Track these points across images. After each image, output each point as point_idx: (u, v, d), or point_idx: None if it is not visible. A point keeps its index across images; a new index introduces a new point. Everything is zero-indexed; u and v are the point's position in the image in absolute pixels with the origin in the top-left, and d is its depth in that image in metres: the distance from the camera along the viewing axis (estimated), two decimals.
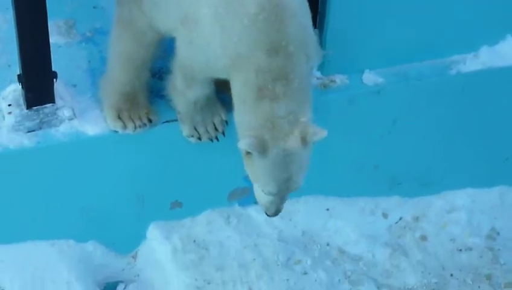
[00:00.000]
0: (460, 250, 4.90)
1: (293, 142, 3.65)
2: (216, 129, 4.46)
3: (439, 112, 4.82)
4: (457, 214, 5.02)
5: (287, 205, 4.06)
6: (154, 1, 4.10)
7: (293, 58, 3.69)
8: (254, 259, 4.70)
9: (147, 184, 4.64)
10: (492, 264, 4.87)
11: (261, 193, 3.85)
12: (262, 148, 3.63)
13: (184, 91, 4.21)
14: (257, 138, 3.61)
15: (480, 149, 5.01)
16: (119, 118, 4.42)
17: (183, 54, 4.01)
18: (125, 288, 4.64)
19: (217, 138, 4.47)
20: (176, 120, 4.43)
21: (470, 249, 4.92)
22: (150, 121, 4.45)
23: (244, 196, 4.77)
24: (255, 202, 4.56)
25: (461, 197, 5.08)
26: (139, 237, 4.77)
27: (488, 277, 4.83)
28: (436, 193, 5.01)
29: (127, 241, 4.75)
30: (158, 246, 4.73)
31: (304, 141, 3.67)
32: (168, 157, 4.60)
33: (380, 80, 4.70)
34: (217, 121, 4.45)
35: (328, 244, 4.84)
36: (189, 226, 4.80)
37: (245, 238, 4.77)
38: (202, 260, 4.70)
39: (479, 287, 4.78)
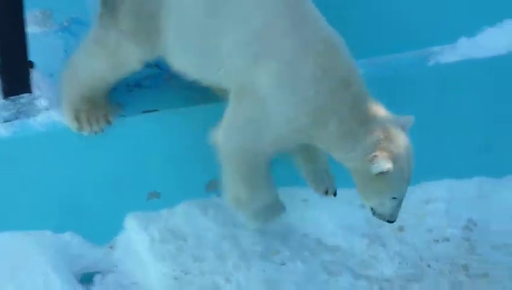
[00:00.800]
0: (438, 241, 4.91)
1: (402, 138, 4.03)
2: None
3: (418, 102, 4.81)
4: (435, 205, 5.03)
5: None
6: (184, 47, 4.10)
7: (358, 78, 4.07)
8: (232, 250, 4.69)
9: (124, 174, 4.63)
10: (469, 254, 4.88)
11: (384, 204, 4.16)
12: (394, 159, 3.95)
13: (252, 197, 4.36)
14: (386, 154, 3.95)
15: (459, 140, 5.01)
16: (77, 118, 4.38)
17: (245, 136, 4.09)
18: (102, 278, 4.62)
19: None
20: (154, 110, 4.42)
21: (447, 239, 4.93)
22: (108, 122, 4.42)
23: (221, 186, 4.75)
24: None
25: (439, 188, 5.09)
26: (117, 227, 4.76)
27: (465, 268, 4.84)
28: (415, 184, 4.99)
29: (104, 232, 4.73)
30: (136, 236, 4.71)
31: (405, 131, 4.07)
32: (145, 148, 4.59)
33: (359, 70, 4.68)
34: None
35: (305, 235, 4.84)
36: (166, 216, 4.79)
37: (223, 229, 4.76)
38: (180, 250, 4.69)
39: (455, 277, 4.78)
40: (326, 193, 4.65)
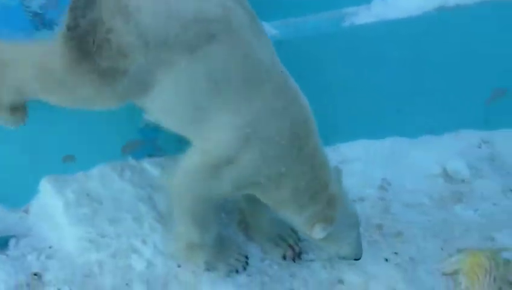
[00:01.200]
0: (354, 201, 4.96)
1: (342, 196, 4.32)
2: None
3: (332, 64, 4.83)
4: (351, 165, 5.07)
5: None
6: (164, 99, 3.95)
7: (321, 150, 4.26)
8: (148, 212, 4.68)
9: (39, 138, 4.58)
10: (383, 214, 4.96)
11: (343, 249, 4.43)
12: (332, 222, 4.20)
13: (202, 239, 4.35)
14: (323, 222, 4.19)
15: (373, 101, 5.05)
16: None
17: (203, 184, 4.10)
18: (17, 243, 4.59)
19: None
20: None
21: (363, 199, 4.99)
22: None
23: (137, 148, 4.73)
24: (149, 155, 4.58)
25: (355, 149, 5.13)
26: (31, 191, 4.72)
27: (379, 227, 4.92)
28: (330, 145, 5.04)
29: (19, 196, 4.70)
30: (51, 200, 4.69)
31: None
32: (60, 111, 4.51)
33: (274, 31, 4.68)
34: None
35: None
36: (82, 179, 4.76)
37: (139, 191, 4.76)
38: (96, 213, 4.68)
39: (370, 236, 4.85)
40: (284, 257, 4.70)
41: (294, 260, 4.67)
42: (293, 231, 4.72)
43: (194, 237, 4.34)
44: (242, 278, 4.54)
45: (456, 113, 5.38)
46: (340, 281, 4.62)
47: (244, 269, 4.57)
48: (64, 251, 4.55)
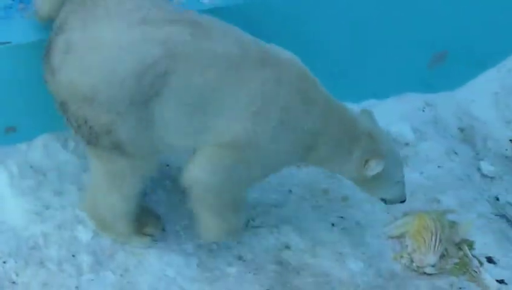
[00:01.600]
0: (299, 166, 4.98)
1: (380, 131, 4.38)
2: None
3: (275, 29, 4.79)
4: None
5: None
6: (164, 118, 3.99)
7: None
8: (87, 184, 4.63)
9: None
10: (329, 179, 4.98)
11: (391, 191, 4.48)
12: (382, 156, 4.25)
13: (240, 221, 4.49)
14: (376, 157, 4.23)
15: (316, 66, 4.93)
16: None
17: (233, 174, 4.13)
18: None
19: None
20: (7, 42, 4.34)
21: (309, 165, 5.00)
22: None
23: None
24: None
25: None
26: None
27: (325, 192, 4.95)
28: None
29: None
30: None
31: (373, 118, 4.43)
32: None
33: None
34: None
35: (167, 165, 4.83)
36: (25, 151, 4.71)
37: (83, 162, 4.70)
38: (40, 185, 4.63)
39: (316, 201, 4.89)
40: None
41: None
42: None
43: (233, 222, 4.43)
44: (189, 246, 4.55)
45: (399, 77, 5.42)
46: (287, 247, 4.65)
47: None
48: (8, 224, 4.50)
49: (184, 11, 4.06)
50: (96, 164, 4.20)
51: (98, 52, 3.85)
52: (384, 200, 4.59)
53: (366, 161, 4.26)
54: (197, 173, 4.15)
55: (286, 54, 4.13)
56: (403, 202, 4.60)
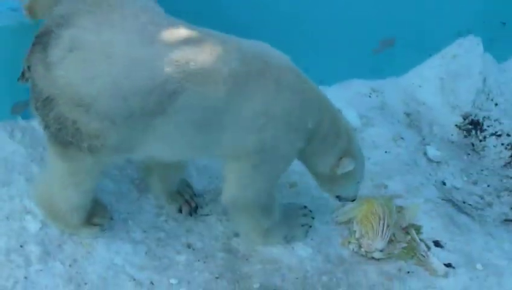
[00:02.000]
0: None
1: (354, 134, 4.57)
2: None
3: (215, 16, 4.80)
4: None
5: None
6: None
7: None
8: (40, 173, 4.61)
9: None
10: None
11: (351, 188, 4.62)
12: (355, 157, 4.43)
13: (273, 221, 4.54)
14: (349, 156, 4.39)
15: None
16: None
17: (260, 183, 4.30)
18: None
19: None
20: None
21: None
22: None
23: (27, 109, 4.64)
24: None
25: None
26: None
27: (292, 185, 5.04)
28: None
29: None
30: None
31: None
32: None
33: None
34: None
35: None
36: None
37: (31, 152, 4.69)
38: None
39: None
40: (180, 211, 4.72)
41: (190, 215, 4.68)
42: (189, 186, 4.74)
43: (266, 224, 4.51)
44: (137, 234, 4.55)
45: (345, 63, 5.47)
46: (236, 234, 4.67)
47: (313, 218, 4.80)
48: None
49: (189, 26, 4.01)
50: (56, 160, 4.11)
51: (107, 62, 3.77)
52: (338, 197, 4.67)
53: (340, 159, 4.38)
54: (233, 193, 4.30)
55: (280, 58, 4.16)
56: (354, 200, 4.72)
